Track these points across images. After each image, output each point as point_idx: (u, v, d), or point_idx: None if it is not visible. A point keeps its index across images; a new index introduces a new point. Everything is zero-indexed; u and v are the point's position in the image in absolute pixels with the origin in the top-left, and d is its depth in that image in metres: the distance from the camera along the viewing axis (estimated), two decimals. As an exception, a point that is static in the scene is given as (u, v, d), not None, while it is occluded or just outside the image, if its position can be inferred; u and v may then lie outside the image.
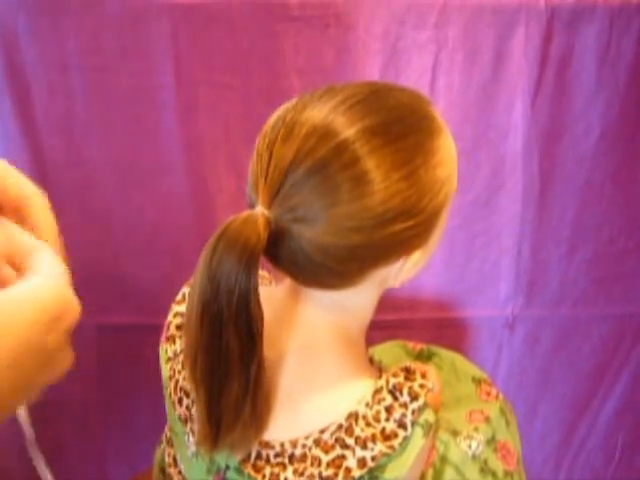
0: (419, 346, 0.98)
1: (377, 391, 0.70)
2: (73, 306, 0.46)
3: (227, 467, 0.74)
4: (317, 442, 0.69)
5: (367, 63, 1.32)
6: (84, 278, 1.48)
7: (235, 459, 0.72)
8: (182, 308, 0.83)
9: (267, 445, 0.71)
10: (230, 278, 0.60)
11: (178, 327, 0.83)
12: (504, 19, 1.28)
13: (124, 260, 1.47)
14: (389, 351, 0.97)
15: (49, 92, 1.32)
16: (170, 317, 0.85)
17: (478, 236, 1.47)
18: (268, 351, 0.66)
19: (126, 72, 1.30)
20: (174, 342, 0.83)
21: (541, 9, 1.27)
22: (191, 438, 0.76)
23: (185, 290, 0.86)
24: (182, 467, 0.83)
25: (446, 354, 0.95)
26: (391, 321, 1.47)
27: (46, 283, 0.45)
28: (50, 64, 1.29)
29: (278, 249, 0.65)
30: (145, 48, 1.29)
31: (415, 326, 1.54)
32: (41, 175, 1.36)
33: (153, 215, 1.44)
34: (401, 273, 0.70)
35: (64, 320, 0.45)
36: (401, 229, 0.63)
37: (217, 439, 0.67)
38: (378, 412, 0.68)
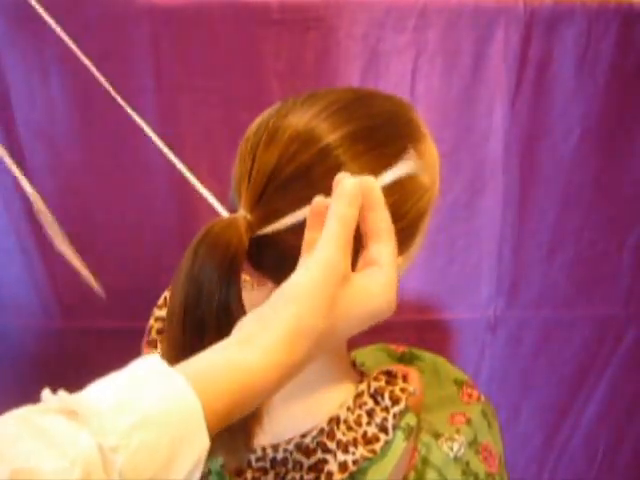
0: (401, 349, 0.98)
1: (358, 395, 0.70)
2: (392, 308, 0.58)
3: (209, 471, 0.73)
4: (298, 446, 0.68)
5: (347, 66, 1.31)
6: (66, 282, 1.48)
7: (217, 463, 0.72)
8: (163, 312, 0.83)
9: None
10: (212, 283, 0.60)
11: (159, 332, 0.83)
12: (483, 22, 1.28)
13: (106, 264, 1.46)
14: (371, 354, 0.97)
15: (29, 97, 1.31)
16: (152, 321, 0.85)
17: (459, 238, 1.48)
18: None
19: (106, 76, 1.29)
20: (155, 346, 0.83)
21: (520, 12, 1.27)
22: None
23: (167, 294, 0.85)
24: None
25: (428, 357, 0.95)
26: (373, 324, 1.46)
27: (384, 290, 0.57)
28: (30, 69, 1.28)
29: (260, 254, 0.65)
30: (125, 52, 1.28)
31: (396, 329, 1.52)
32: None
33: (135, 219, 1.43)
34: None
35: (383, 315, 0.58)
36: None
37: None
38: (359, 416, 0.68)
